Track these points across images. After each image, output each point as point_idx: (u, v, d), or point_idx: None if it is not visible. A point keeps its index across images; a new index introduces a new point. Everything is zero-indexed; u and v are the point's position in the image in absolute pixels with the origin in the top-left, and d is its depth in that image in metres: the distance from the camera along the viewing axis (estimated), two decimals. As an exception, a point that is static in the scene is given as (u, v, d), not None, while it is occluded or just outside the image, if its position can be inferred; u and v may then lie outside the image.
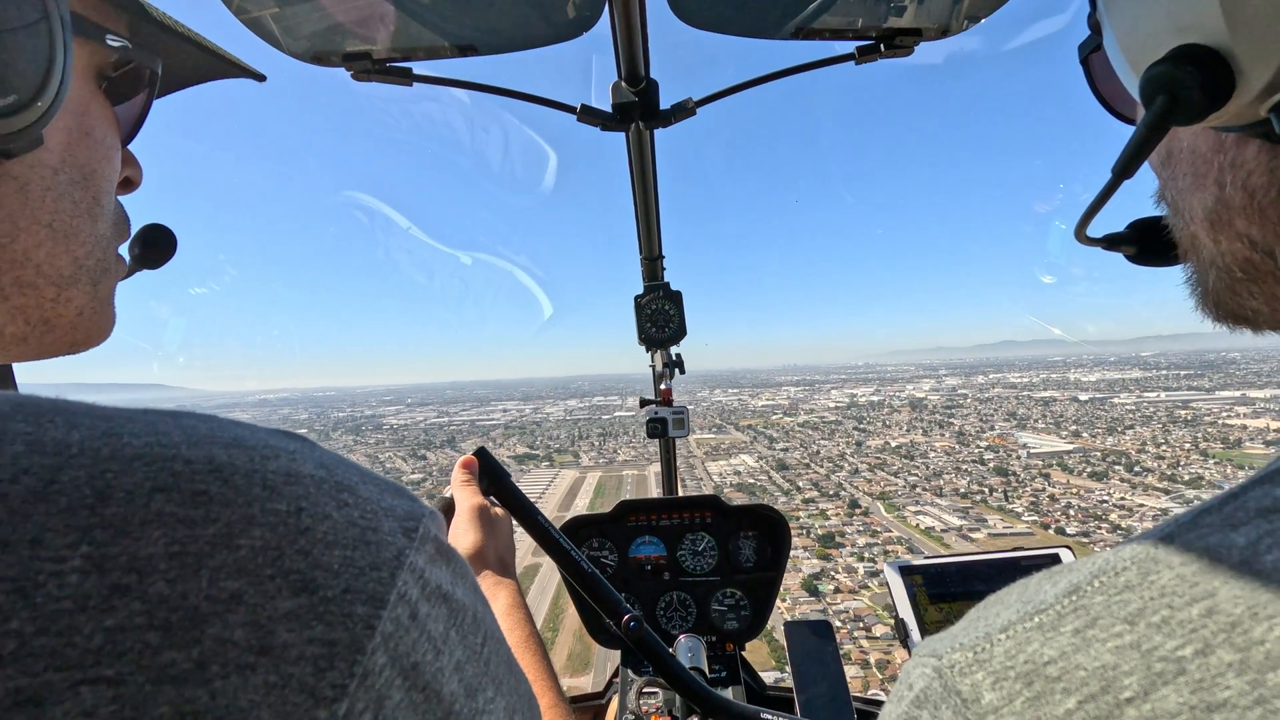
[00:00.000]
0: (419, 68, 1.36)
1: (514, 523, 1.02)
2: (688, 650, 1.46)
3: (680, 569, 1.92)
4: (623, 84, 1.47)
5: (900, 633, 1.09)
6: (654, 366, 2.27)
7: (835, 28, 1.28)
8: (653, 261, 2.09)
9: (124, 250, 0.55)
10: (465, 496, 0.95)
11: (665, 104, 1.55)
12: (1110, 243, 0.53)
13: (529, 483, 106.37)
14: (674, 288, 2.14)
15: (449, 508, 0.97)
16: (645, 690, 1.31)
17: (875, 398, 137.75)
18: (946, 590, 1.11)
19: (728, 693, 1.70)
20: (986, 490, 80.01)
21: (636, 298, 2.11)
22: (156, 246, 0.63)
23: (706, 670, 1.41)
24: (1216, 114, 0.35)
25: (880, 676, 44.21)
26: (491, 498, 1.01)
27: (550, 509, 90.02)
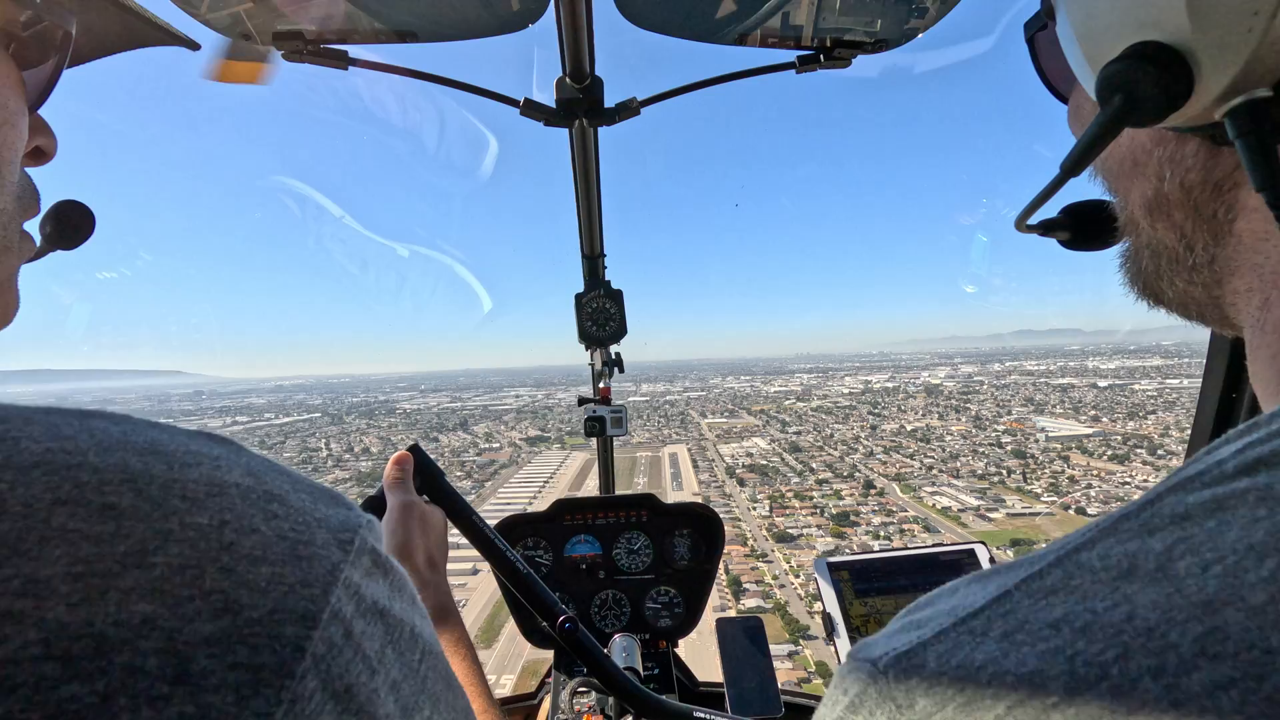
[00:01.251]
0: (355, 50, 1.31)
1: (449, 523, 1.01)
2: (622, 650, 1.49)
3: (615, 568, 1.92)
4: (567, 80, 1.46)
5: (827, 626, 1.11)
6: (593, 365, 2.23)
7: (777, 36, 1.32)
8: (594, 260, 2.07)
9: (34, 228, 0.50)
10: (396, 494, 0.93)
11: (610, 102, 1.55)
12: (1046, 229, 0.53)
13: (540, 465, 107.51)
14: (615, 286, 2.13)
15: (379, 503, 0.94)
16: (578, 690, 1.31)
17: (890, 384, 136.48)
18: (871, 585, 1.14)
19: (662, 692, 1.73)
20: (1004, 472, 79.03)
21: (577, 296, 2.10)
22: (72, 225, 0.57)
23: (641, 670, 1.44)
24: (1172, 115, 0.35)
25: None
26: (425, 496, 0.99)
27: (561, 489, 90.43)
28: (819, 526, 68.43)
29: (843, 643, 1.08)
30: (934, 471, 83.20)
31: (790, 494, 79.52)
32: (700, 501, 2.05)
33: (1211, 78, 0.32)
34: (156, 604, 0.22)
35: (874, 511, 71.31)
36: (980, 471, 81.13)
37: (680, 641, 1.96)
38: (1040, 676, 0.25)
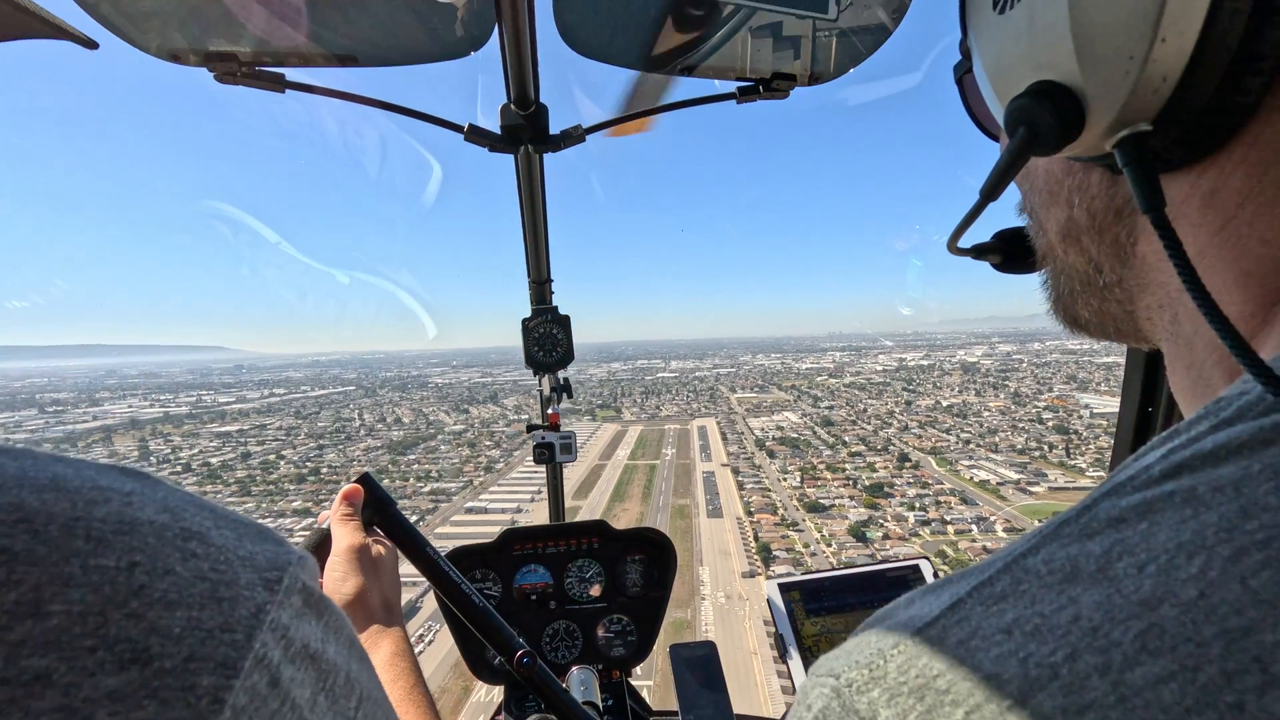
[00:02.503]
0: (292, 73, 1.28)
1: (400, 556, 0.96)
2: (580, 683, 1.49)
3: (566, 597, 1.90)
4: (512, 106, 1.46)
5: (779, 647, 1.13)
6: (541, 391, 2.19)
7: (718, 67, 1.37)
8: (541, 285, 2.08)
9: None
10: (344, 534, 0.87)
11: (555, 128, 1.56)
12: (978, 252, 0.56)
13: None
14: (562, 311, 2.14)
15: (324, 540, 0.89)
16: None
17: (925, 362, 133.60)
18: (821, 604, 1.17)
19: None
20: (1046, 447, 76.70)
21: (524, 321, 2.09)
22: None
23: (599, 703, 1.45)
24: (1071, 146, 0.38)
25: None
26: (375, 528, 0.94)
27: (592, 458, 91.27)
28: (851, 497, 67.37)
29: (795, 662, 1.10)
30: (971, 446, 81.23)
31: (822, 466, 78.51)
32: (652, 526, 1.96)
33: (1099, 113, 0.36)
34: (52, 657, 0.21)
35: (908, 484, 69.95)
36: (1020, 446, 78.88)
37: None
38: (996, 680, 0.26)
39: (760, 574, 51.63)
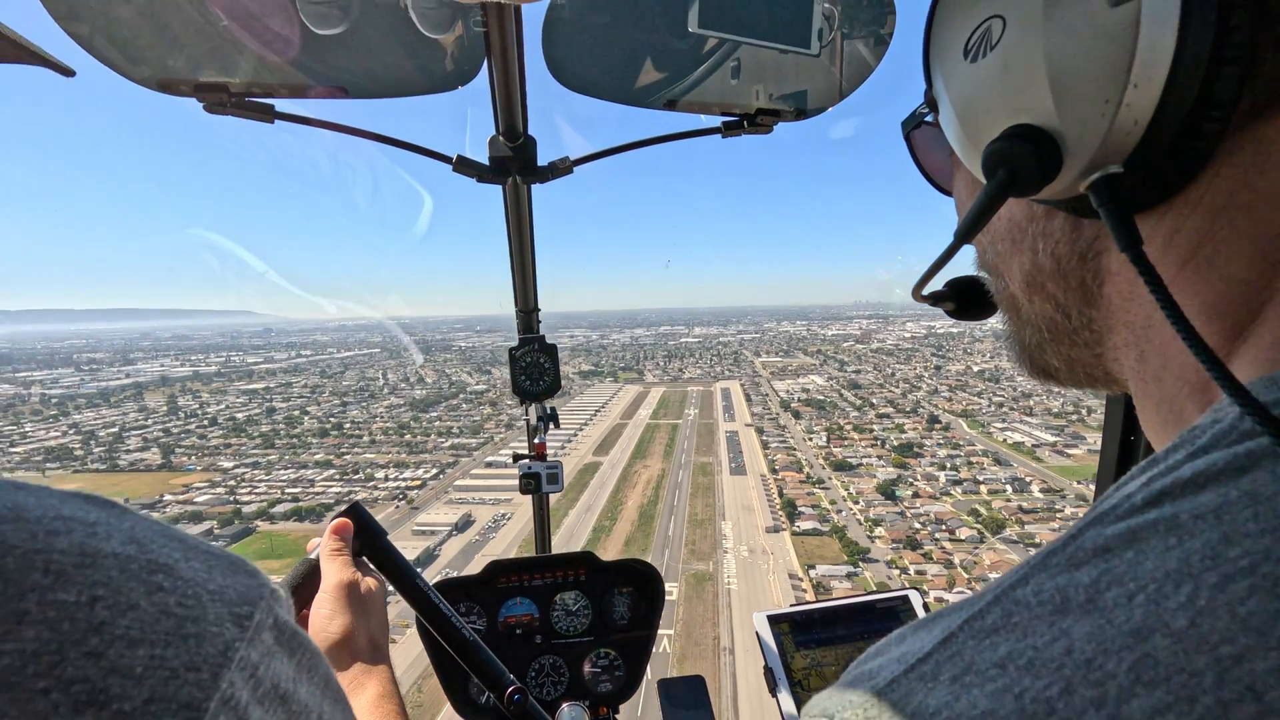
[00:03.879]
0: (282, 104, 1.30)
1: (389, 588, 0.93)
2: None
3: (553, 630, 1.86)
4: (500, 138, 1.49)
5: (769, 681, 1.12)
6: (528, 420, 2.19)
7: (702, 103, 1.40)
8: (528, 314, 2.09)
9: None
10: (334, 570, 0.85)
11: (543, 160, 1.60)
12: (935, 300, 0.57)
13: (594, 395, 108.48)
14: (549, 340, 2.16)
15: (313, 571, 0.87)
16: None
17: (955, 329, 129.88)
18: (811, 636, 1.16)
19: None
20: (1084, 411, 73.94)
21: (511, 350, 2.09)
22: None
23: None
24: (1048, 187, 0.39)
25: (966, 575, 43.07)
26: (364, 558, 0.93)
27: (614, 417, 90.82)
28: (880, 457, 66.06)
29: (785, 696, 1.08)
30: (1004, 409, 78.92)
31: (849, 427, 77.28)
32: (638, 558, 1.92)
33: (1076, 155, 0.37)
34: (3, 699, 0.20)
35: (939, 445, 68.09)
36: (1056, 410, 76.37)
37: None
38: (992, 717, 0.25)
39: (785, 529, 51.05)
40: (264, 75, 1.19)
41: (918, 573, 43.58)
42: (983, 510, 51.48)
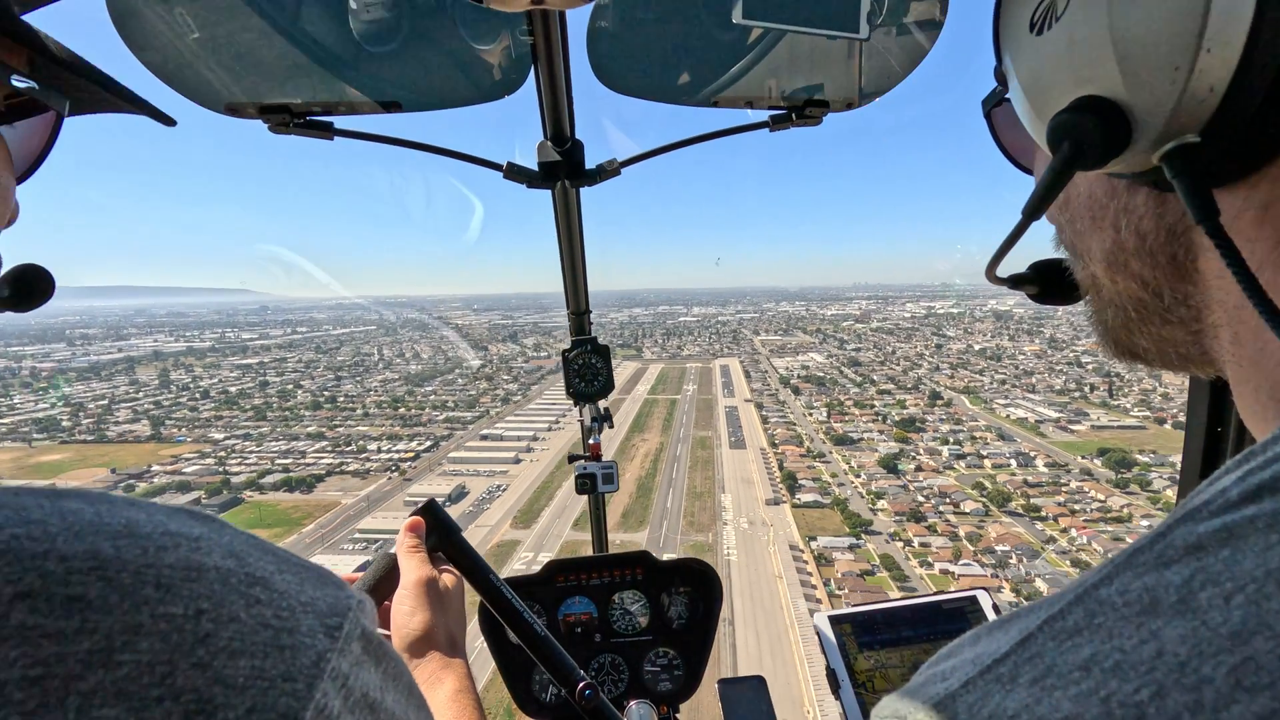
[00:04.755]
0: (340, 121, 1.35)
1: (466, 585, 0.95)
2: (640, 719, 1.48)
3: (611, 629, 1.88)
4: (548, 143, 1.52)
5: (832, 682, 1.09)
6: (582, 421, 2.19)
7: (749, 98, 1.38)
8: (580, 315, 2.11)
9: None
10: (412, 567, 0.86)
11: (591, 163, 1.61)
12: (1015, 282, 0.55)
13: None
14: (601, 342, 2.15)
15: (392, 567, 0.89)
16: None
17: (955, 310, 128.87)
18: (875, 638, 1.13)
19: None
20: (1087, 388, 73.22)
21: (564, 352, 2.11)
22: (29, 289, 0.58)
23: None
24: (1116, 160, 0.37)
25: (971, 548, 42.87)
26: (439, 554, 0.94)
27: (612, 393, 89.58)
28: (881, 432, 65.19)
29: (848, 697, 1.06)
30: (1006, 386, 78.08)
31: (850, 402, 76.34)
32: (695, 557, 1.93)
33: (1146, 126, 0.35)
34: (121, 708, 0.21)
35: (941, 420, 67.32)
36: (1059, 387, 75.54)
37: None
38: None
39: (786, 501, 50.40)
40: (323, 94, 1.25)
41: (922, 545, 43.07)
42: (987, 484, 50.83)
